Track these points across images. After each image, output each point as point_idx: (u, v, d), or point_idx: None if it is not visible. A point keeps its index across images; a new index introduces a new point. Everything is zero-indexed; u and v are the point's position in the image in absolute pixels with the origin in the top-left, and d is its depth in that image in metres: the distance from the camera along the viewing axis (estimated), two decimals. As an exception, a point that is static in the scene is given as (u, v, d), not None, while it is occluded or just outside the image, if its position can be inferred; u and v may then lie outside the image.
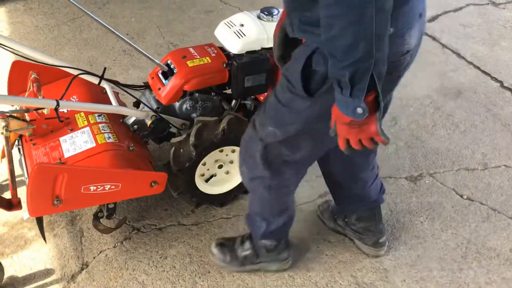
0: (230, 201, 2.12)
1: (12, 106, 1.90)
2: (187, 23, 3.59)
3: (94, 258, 1.89)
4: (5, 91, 1.96)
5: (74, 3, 1.72)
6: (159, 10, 3.77)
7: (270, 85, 1.90)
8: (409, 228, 2.07)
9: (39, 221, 1.74)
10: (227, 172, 2.03)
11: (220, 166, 1.99)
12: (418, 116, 2.71)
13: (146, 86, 2.00)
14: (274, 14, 1.87)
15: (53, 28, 3.49)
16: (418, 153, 2.46)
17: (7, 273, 1.80)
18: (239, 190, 2.09)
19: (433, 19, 3.68)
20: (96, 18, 1.72)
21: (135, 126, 1.90)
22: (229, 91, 1.96)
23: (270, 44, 1.84)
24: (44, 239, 1.79)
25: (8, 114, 1.70)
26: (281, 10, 1.93)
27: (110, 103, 1.83)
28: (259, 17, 1.88)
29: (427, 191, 2.24)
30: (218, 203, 2.09)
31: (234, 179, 2.05)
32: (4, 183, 2.20)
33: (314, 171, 2.21)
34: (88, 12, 1.70)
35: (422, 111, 2.75)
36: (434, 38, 3.43)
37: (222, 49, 1.91)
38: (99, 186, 1.61)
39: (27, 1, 3.81)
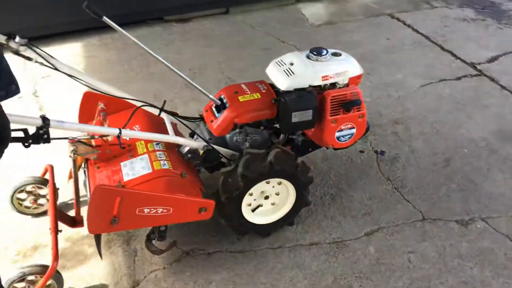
0: (275, 231, 2.17)
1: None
2: (246, 60, 3.78)
3: (144, 277, 2.01)
4: (76, 118, 2.18)
5: (140, 44, 1.92)
6: (221, 47, 4.00)
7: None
8: (457, 273, 2.01)
9: (97, 238, 1.89)
10: (273, 204, 2.10)
11: (267, 197, 2.06)
12: (472, 158, 2.65)
13: (201, 118, 2.15)
14: (322, 54, 1.97)
15: (123, 62, 3.81)
16: (470, 197, 2.40)
17: (66, 285, 1.95)
18: (285, 221, 2.15)
19: (492, 60, 3.62)
20: (159, 57, 1.92)
21: (189, 155, 2.03)
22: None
23: (317, 82, 1.93)
24: (101, 255, 1.93)
25: (76, 139, 1.90)
26: (330, 50, 2.02)
27: (168, 133, 1.99)
28: (308, 57, 1.98)
29: (479, 236, 2.18)
30: (263, 233, 2.16)
31: (280, 211, 2.11)
32: (69, 202, 2.40)
33: (360, 209, 2.24)
34: (151, 53, 1.90)
35: (476, 153, 2.69)
36: (492, 79, 3.36)
37: (273, 85, 2.02)
38: (152, 209, 1.74)
39: (102, 37, 4.20)
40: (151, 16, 4.44)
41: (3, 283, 1.79)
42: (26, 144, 1.55)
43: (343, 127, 2.01)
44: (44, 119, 1.53)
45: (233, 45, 4.04)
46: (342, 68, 1.97)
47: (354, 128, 2.04)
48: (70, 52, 3.86)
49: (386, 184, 2.46)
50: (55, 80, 3.56)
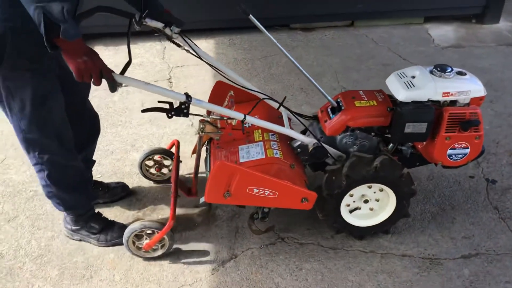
0: (369, 236, 2.24)
1: (209, 115, 2.38)
2: (363, 72, 3.86)
3: (242, 252, 2.21)
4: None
5: (275, 41, 2.12)
6: (340, 58, 4.13)
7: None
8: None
9: (209, 208, 2.14)
10: (372, 209, 2.17)
11: (366, 201, 2.14)
12: None
13: (315, 118, 2.30)
14: (447, 71, 1.99)
15: (248, 61, 4.12)
16: None
17: (175, 245, 2.23)
18: (380, 228, 2.20)
19: None
20: (288, 55, 2.10)
21: (299, 150, 2.18)
22: (389, 135, 2.13)
23: (437, 97, 1.96)
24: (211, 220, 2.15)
25: (206, 120, 2.17)
26: (455, 68, 2.04)
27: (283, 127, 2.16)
28: (431, 72, 2.02)
29: None
30: (357, 235, 2.23)
31: (377, 217, 2.17)
32: (187, 176, 2.71)
33: (460, 231, 2.21)
34: (283, 50, 2.08)
35: None
36: None
37: (390, 96, 2.09)
38: (260, 190, 1.93)
39: (232, 37, 4.57)
40: (278, 22, 4.72)
41: (126, 232, 2.11)
42: (170, 115, 1.82)
43: (456, 146, 2.02)
44: (188, 96, 1.80)
45: (353, 57, 4.13)
46: (464, 87, 1.97)
47: (468, 148, 2.03)
48: (203, 47, 4.27)
49: (492, 213, 2.37)
50: (186, 71, 3.99)
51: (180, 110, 1.82)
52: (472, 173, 2.65)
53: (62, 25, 1.48)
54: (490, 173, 2.65)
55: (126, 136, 3.14)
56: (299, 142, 2.18)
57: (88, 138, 2.32)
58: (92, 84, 1.67)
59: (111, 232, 2.28)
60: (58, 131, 1.97)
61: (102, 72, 1.65)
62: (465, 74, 2.03)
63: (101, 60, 1.66)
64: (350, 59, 4.10)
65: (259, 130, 2.24)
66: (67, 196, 2.14)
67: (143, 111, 1.81)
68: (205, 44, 4.41)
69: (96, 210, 2.33)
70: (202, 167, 2.39)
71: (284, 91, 3.60)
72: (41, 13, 1.45)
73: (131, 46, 1.79)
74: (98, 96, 3.58)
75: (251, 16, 2.05)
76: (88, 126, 2.29)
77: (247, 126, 2.26)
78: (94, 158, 2.47)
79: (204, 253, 2.22)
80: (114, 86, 1.69)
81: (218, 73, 2.19)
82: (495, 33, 4.57)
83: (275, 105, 2.26)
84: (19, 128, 1.89)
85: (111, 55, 4.16)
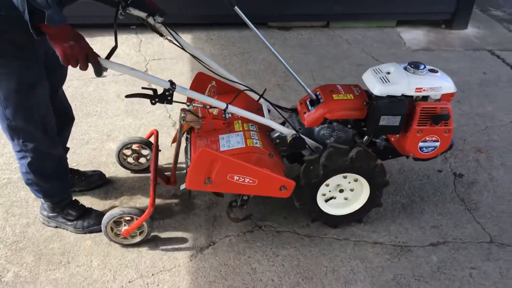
0: (343, 225, 2.32)
1: (189, 104, 2.41)
2: (338, 72, 3.97)
3: (220, 239, 2.25)
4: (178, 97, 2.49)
5: (260, 35, 2.18)
6: (316, 57, 4.23)
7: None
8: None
9: (189, 195, 2.17)
10: (346, 198, 2.25)
11: (341, 191, 2.22)
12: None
13: (294, 110, 2.37)
14: (420, 68, 2.10)
15: (225, 57, 4.16)
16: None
17: (153, 232, 2.25)
18: (354, 217, 2.29)
19: None
20: (272, 48, 2.17)
21: (278, 140, 2.24)
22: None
23: (410, 92, 2.06)
24: (189, 209, 2.18)
25: (187, 109, 2.20)
26: (428, 66, 2.15)
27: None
28: (405, 68, 2.13)
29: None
30: (331, 224, 2.31)
31: (351, 206, 2.26)
32: (165, 166, 2.73)
33: (429, 221, 2.32)
34: (267, 43, 2.15)
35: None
36: None
37: (366, 91, 2.18)
38: (240, 178, 1.98)
39: (209, 33, 4.60)
40: (256, 20, 4.76)
41: (105, 217, 2.12)
42: (153, 101, 1.85)
43: (427, 139, 2.12)
44: (172, 83, 1.83)
45: (328, 57, 4.24)
46: (436, 83, 2.08)
47: (438, 141, 2.14)
48: (181, 41, 4.28)
49: (459, 204, 2.50)
50: (163, 64, 4.00)
51: (164, 97, 1.85)
52: (441, 168, 2.79)
53: (46, 11, 1.48)
54: (457, 168, 2.79)
55: (101, 126, 3.12)
56: (278, 133, 2.24)
57: (62, 126, 2.30)
58: (79, 68, 1.67)
59: (88, 219, 2.28)
60: (43, 119, 1.96)
61: (88, 57, 1.66)
62: (436, 72, 2.14)
63: (87, 44, 1.67)
64: (326, 58, 4.21)
65: (239, 121, 2.29)
66: (47, 184, 2.13)
67: (127, 96, 1.83)
68: (183, 39, 4.41)
69: (73, 198, 2.33)
70: (181, 157, 2.42)
71: (261, 87, 3.64)
72: (25, 0, 1.45)
73: (107, 37, 1.81)
74: (73, 86, 3.55)
75: (236, 8, 2.10)
76: (62, 114, 2.27)
77: (227, 117, 2.30)
78: (69, 146, 2.46)
79: (183, 240, 2.25)
80: (99, 70, 1.70)
81: (200, 63, 2.22)
82: (463, 38, 4.78)
83: (255, 97, 2.31)
84: (3, 116, 1.87)
85: (99, 47, 4.12)
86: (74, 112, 2.42)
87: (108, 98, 3.46)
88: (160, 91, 1.86)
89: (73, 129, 2.97)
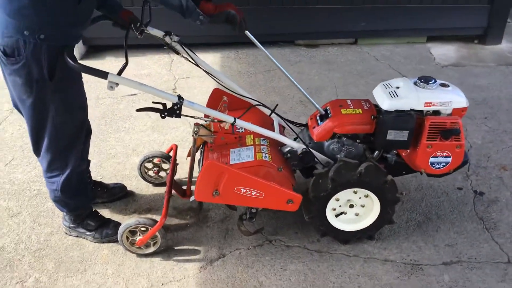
0: (353, 241, 2.30)
1: (205, 119, 2.49)
2: (362, 87, 3.95)
3: (230, 252, 2.29)
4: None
5: (272, 58, 2.23)
6: (341, 73, 4.24)
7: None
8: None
9: (200, 206, 2.23)
10: (357, 214, 2.24)
11: (352, 206, 2.21)
12: None
13: (306, 125, 2.40)
14: (430, 82, 2.08)
15: (251, 75, 4.25)
16: None
17: (167, 243, 2.32)
18: (364, 233, 2.27)
19: None
20: (284, 71, 2.22)
21: (288, 155, 2.27)
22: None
23: (419, 107, 2.05)
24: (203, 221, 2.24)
25: (200, 124, 2.28)
26: (439, 80, 2.12)
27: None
28: (415, 83, 2.11)
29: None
30: (342, 240, 2.30)
31: (361, 222, 2.24)
32: (183, 179, 2.81)
33: (444, 239, 2.26)
34: (279, 66, 2.20)
35: None
36: None
37: (376, 106, 2.18)
38: (247, 190, 2.02)
39: (238, 51, 4.72)
40: (283, 38, 4.87)
41: (121, 227, 2.21)
42: (163, 115, 1.94)
43: (438, 154, 2.09)
44: (180, 97, 1.91)
45: (354, 73, 4.24)
46: (446, 98, 2.05)
47: (450, 157, 2.10)
48: (210, 61, 4.42)
49: (477, 223, 2.42)
50: (191, 82, 4.13)
51: (173, 110, 1.93)
52: (461, 185, 2.71)
53: None
54: (479, 185, 2.70)
55: (128, 141, 3.26)
56: (289, 148, 2.27)
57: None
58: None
59: (106, 229, 2.38)
60: (81, 138, 2.13)
61: None
62: (448, 86, 2.11)
63: None
64: (351, 75, 4.20)
65: (251, 136, 2.34)
66: (72, 200, 2.26)
67: (138, 110, 1.93)
68: (212, 58, 4.56)
69: (94, 209, 2.44)
70: (196, 171, 2.49)
71: (283, 103, 3.71)
72: None
73: (141, 57, 1.92)
74: (105, 103, 3.73)
75: (247, 32, 2.17)
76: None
77: (240, 131, 2.36)
78: (97, 161, 2.60)
79: (194, 252, 2.30)
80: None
81: (215, 80, 2.31)
82: (496, 53, 4.65)
83: (268, 112, 2.36)
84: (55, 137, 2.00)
85: (120, 65, 4.31)
86: (104, 128, 2.55)
87: (136, 114, 3.61)
88: (169, 105, 1.94)
89: (101, 143, 3.13)
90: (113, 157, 3.09)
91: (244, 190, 2.02)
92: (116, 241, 2.32)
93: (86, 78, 2.02)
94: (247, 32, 2.19)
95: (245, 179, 2.01)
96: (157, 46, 4.86)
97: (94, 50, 4.56)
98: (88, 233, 2.38)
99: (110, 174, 2.91)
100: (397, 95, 2.07)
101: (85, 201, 2.35)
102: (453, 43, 4.88)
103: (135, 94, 3.87)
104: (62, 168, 2.11)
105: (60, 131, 1.98)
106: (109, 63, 4.37)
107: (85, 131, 2.34)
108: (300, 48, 4.79)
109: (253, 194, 2.03)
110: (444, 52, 4.70)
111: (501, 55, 4.60)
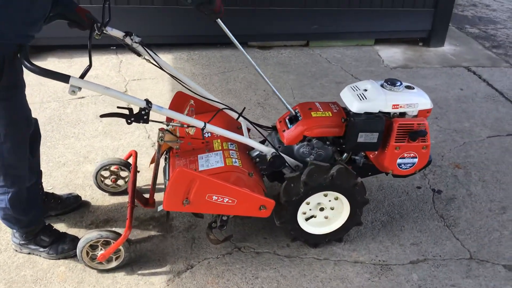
0: (323, 244, 2.29)
1: (168, 125, 2.38)
2: (317, 89, 3.99)
3: (198, 262, 2.20)
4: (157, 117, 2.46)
5: (244, 52, 2.17)
6: (295, 75, 4.26)
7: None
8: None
9: (167, 216, 2.12)
10: (326, 217, 2.23)
11: (322, 209, 2.20)
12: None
13: (274, 128, 2.36)
14: (396, 84, 2.12)
15: (206, 76, 4.16)
16: (524, 245, 2.39)
17: (130, 256, 2.18)
18: (334, 236, 2.27)
19: None
20: (255, 65, 2.17)
21: (257, 159, 2.22)
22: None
23: (387, 109, 2.07)
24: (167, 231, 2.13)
25: (166, 128, 2.17)
26: (404, 83, 2.17)
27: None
28: (382, 86, 2.14)
29: (527, 284, 2.17)
30: (312, 243, 2.28)
31: (331, 225, 2.24)
32: (143, 187, 2.68)
33: (409, 238, 2.31)
34: (247, 56, 2.15)
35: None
36: None
37: (345, 108, 2.19)
38: (219, 197, 1.94)
39: (191, 52, 4.60)
40: (236, 39, 4.80)
41: (81, 241, 2.05)
42: (129, 121, 1.81)
43: (405, 155, 2.13)
44: (148, 102, 1.80)
45: (307, 75, 4.27)
46: (413, 100, 2.10)
47: (416, 157, 2.15)
48: (161, 61, 4.27)
49: (438, 221, 2.51)
50: (143, 84, 3.97)
51: (140, 116, 1.82)
52: (419, 184, 2.80)
53: None
54: (436, 184, 2.80)
55: (79, 148, 3.06)
56: (257, 152, 2.22)
57: (32, 143, 2.21)
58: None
59: (62, 245, 2.20)
60: (27, 152, 1.93)
61: None
62: (413, 88, 2.16)
63: None
64: (305, 77, 4.24)
65: (218, 140, 2.27)
66: (24, 216, 2.07)
67: (102, 116, 1.79)
68: (164, 59, 4.36)
69: (47, 223, 2.25)
70: (160, 178, 2.37)
71: (241, 106, 3.60)
72: None
73: (86, 58, 1.78)
74: (51, 107, 3.48)
75: (218, 20, 2.10)
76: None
77: (206, 136, 2.28)
78: (46, 170, 2.40)
79: (160, 264, 2.19)
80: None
81: (179, 83, 2.21)
82: (440, 55, 4.88)
83: (234, 115, 2.30)
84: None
85: (65, 67, 4.07)
86: (51, 134, 2.36)
87: (86, 119, 3.41)
88: (136, 110, 1.83)
89: (49, 151, 2.90)
90: (63, 165, 2.88)
91: (216, 198, 1.95)
92: (72, 256, 2.16)
93: (27, 80, 1.86)
94: (219, 20, 2.12)
95: (217, 186, 1.94)
96: (104, 46, 4.66)
97: (35, 51, 4.24)
98: (41, 249, 2.19)
99: (61, 184, 2.71)
100: (365, 98, 2.09)
101: (37, 216, 2.16)
102: (399, 46, 5.07)
103: (83, 97, 3.65)
104: (9, 186, 1.93)
105: (4, 145, 1.80)
106: (52, 64, 4.09)
107: (33, 141, 2.15)
108: (253, 50, 4.75)
109: (225, 201, 1.96)
110: (391, 54, 4.87)
111: (445, 57, 4.84)
